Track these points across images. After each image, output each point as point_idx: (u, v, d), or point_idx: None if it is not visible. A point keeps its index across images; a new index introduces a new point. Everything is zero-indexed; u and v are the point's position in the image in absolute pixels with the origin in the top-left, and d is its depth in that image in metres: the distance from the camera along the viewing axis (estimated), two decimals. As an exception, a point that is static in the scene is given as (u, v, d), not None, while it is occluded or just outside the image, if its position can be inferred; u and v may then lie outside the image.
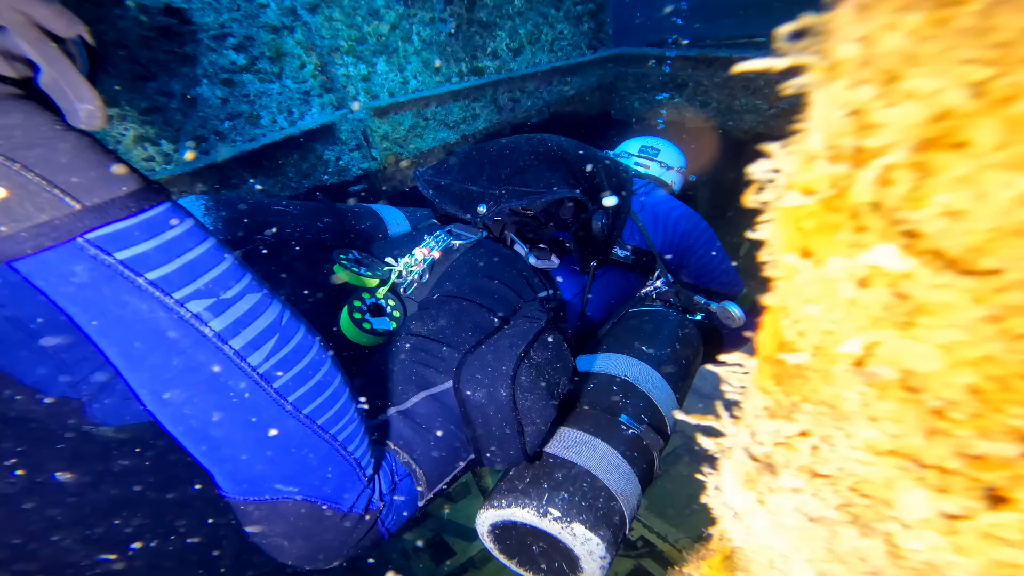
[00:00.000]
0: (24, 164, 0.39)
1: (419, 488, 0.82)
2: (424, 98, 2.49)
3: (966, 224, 0.26)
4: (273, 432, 0.57)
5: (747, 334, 1.52)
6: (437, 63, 2.54)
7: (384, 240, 1.33)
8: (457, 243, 1.17)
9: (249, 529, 0.64)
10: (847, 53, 0.29)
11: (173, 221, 0.51)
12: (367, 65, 2.18)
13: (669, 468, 3.96)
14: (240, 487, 0.60)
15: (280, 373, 0.58)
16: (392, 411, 0.84)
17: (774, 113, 2.55)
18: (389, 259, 1.12)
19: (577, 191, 1.14)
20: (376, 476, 0.74)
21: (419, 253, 1.13)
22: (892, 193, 0.28)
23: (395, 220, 1.44)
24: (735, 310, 1.41)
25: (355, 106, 2.14)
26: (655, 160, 1.95)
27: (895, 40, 0.26)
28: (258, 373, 0.56)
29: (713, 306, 1.46)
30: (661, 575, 2.78)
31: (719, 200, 5.70)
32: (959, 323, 0.27)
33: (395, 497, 0.77)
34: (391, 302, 1.05)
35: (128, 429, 1.17)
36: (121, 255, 0.47)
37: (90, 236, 0.44)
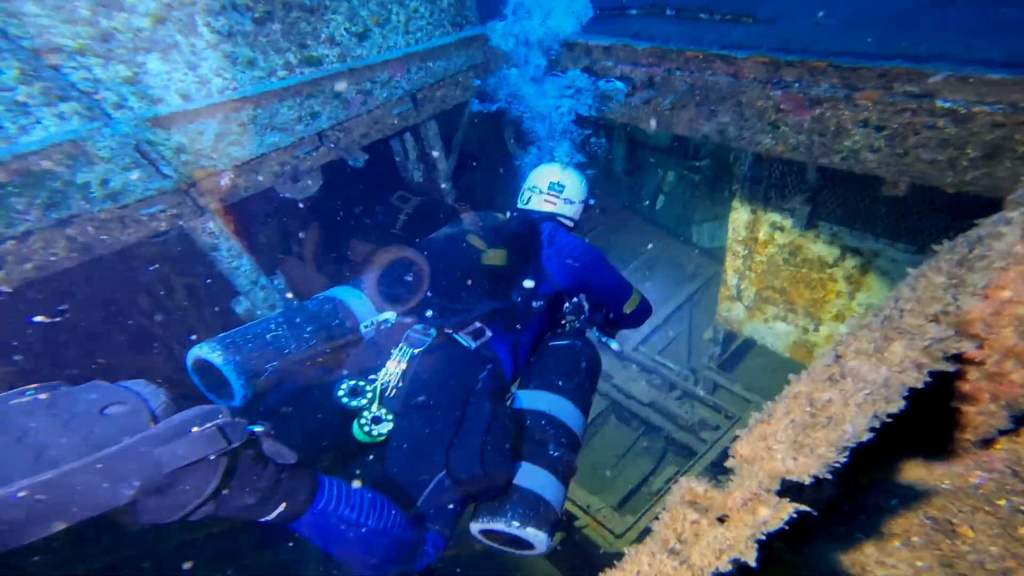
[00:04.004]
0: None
1: (446, 536, 1.41)
2: (230, 102, 2.16)
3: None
4: (384, 544, 1.26)
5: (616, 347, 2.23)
6: (246, 57, 2.21)
7: (358, 344, 1.82)
8: (416, 351, 1.62)
9: None
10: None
11: (329, 488, 1.19)
12: (128, 66, 1.85)
13: (598, 430, 4.47)
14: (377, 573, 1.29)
15: (371, 520, 1.23)
16: (420, 502, 1.39)
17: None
18: (372, 376, 1.60)
19: (497, 303, 1.70)
20: (423, 542, 1.35)
21: (391, 367, 1.60)
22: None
23: (354, 298, 1.90)
24: (614, 345, 2.17)
25: (117, 115, 1.82)
26: (560, 198, 2.25)
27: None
28: (361, 522, 1.21)
29: (602, 339, 2.15)
30: (581, 539, 3.57)
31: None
32: None
33: (435, 551, 1.38)
34: (383, 410, 1.56)
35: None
36: (317, 507, 1.15)
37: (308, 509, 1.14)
